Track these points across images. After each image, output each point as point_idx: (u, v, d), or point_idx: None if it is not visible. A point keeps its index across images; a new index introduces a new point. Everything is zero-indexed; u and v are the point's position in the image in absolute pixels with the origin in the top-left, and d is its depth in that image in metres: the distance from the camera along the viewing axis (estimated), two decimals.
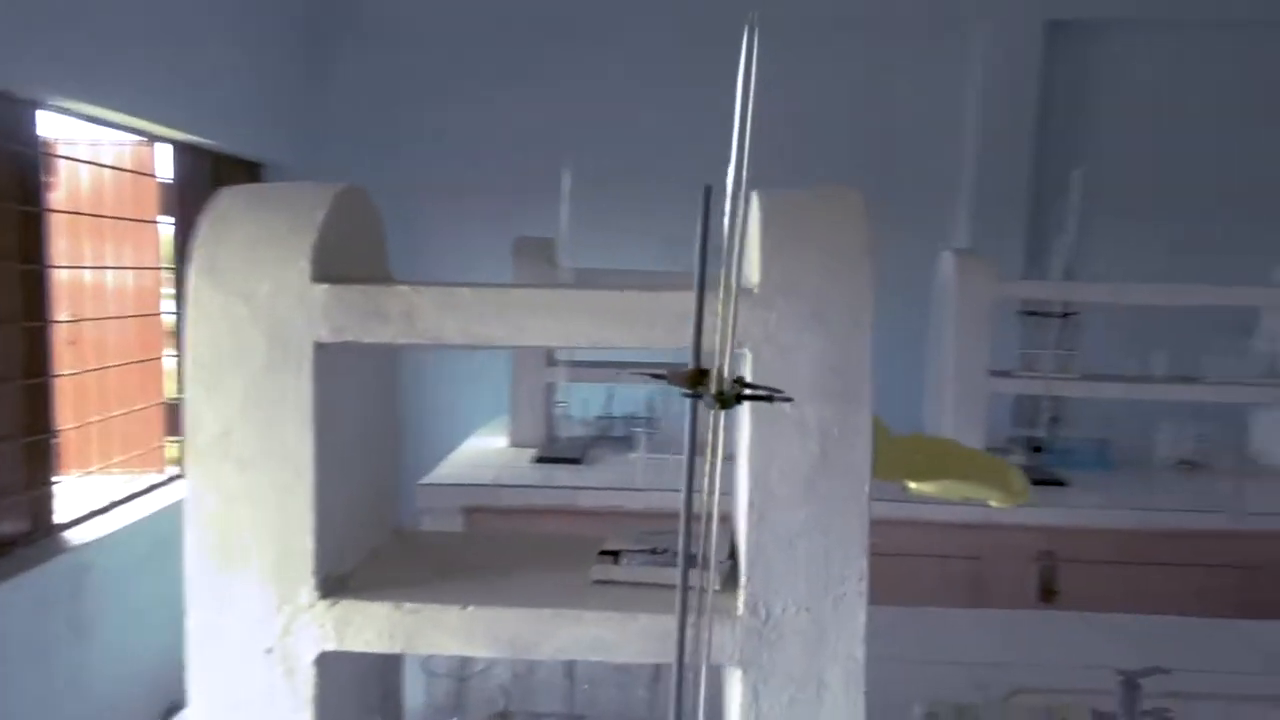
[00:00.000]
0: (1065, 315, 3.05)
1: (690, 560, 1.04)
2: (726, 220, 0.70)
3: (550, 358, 3.19)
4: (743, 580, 0.97)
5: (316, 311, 0.96)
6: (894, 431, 1.08)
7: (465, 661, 1.24)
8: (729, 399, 0.71)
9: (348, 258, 1.05)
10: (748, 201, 0.73)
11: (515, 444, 3.20)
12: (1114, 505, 2.72)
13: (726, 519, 1.20)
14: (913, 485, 1.01)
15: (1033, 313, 2.96)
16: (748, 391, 0.74)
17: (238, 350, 0.97)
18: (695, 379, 0.78)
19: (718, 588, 1.02)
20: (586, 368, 3.15)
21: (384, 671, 1.18)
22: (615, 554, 1.06)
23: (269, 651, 0.98)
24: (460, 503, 2.70)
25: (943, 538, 2.63)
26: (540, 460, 3.00)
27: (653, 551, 1.06)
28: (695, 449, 0.81)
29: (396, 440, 1.24)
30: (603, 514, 2.71)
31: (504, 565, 1.10)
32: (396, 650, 0.98)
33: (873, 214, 0.99)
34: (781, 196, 0.99)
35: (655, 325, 0.96)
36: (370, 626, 0.97)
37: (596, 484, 2.80)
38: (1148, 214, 4.51)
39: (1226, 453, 3.28)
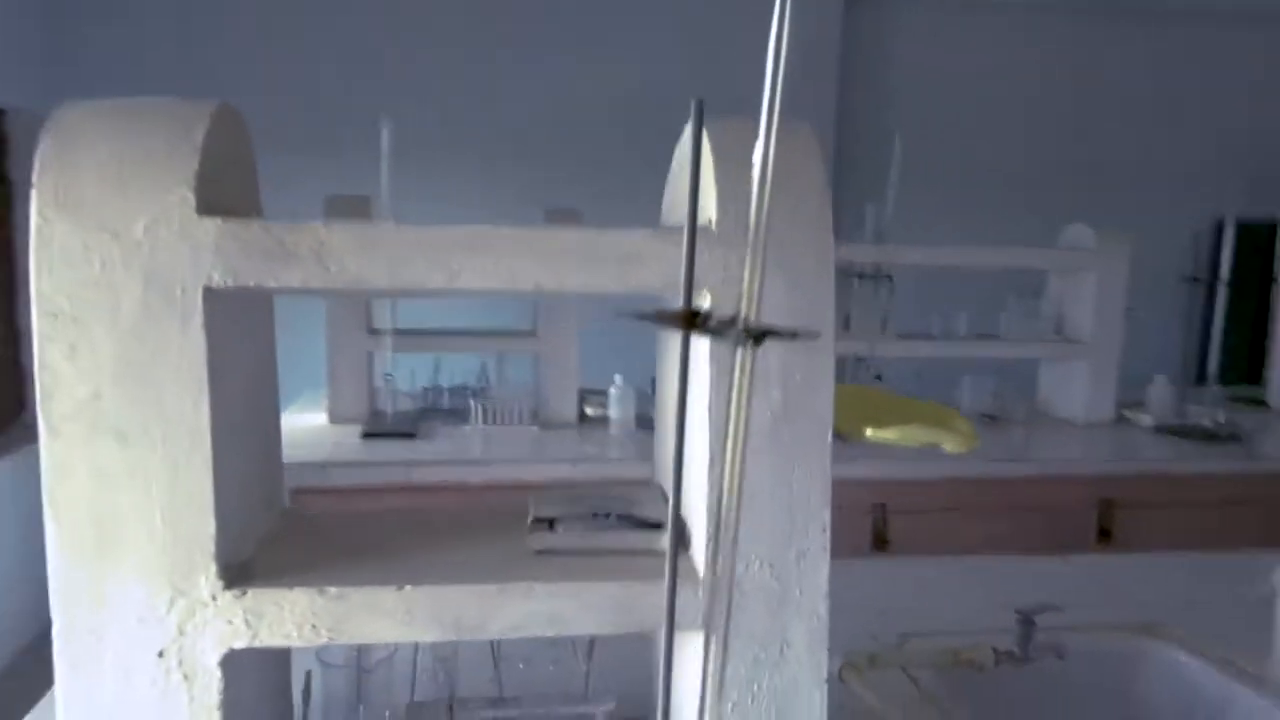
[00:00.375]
0: (878, 278, 3.16)
1: (641, 522, 0.96)
2: (757, 159, 0.62)
3: (369, 326, 2.99)
4: (704, 540, 0.90)
5: (206, 251, 0.81)
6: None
7: (364, 650, 1.11)
8: (759, 336, 0.63)
9: (227, 191, 0.89)
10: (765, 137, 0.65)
11: (336, 420, 2.99)
12: (933, 457, 2.84)
13: (651, 484, 1.13)
14: (870, 433, 0.98)
15: (848, 275, 3.05)
16: (763, 331, 0.66)
17: (107, 299, 0.80)
18: (689, 319, 0.71)
19: (664, 549, 0.95)
20: (413, 336, 2.98)
21: (274, 665, 1.04)
22: (550, 521, 0.97)
23: (161, 655, 0.83)
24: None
25: None
26: (368, 436, 2.81)
27: (594, 516, 0.97)
28: (687, 396, 0.73)
29: (277, 405, 1.09)
30: (442, 490, 2.57)
31: (424, 542, 0.98)
32: (321, 642, 0.85)
33: None
34: (733, 127, 0.92)
35: (605, 265, 0.87)
36: (289, 618, 0.84)
37: (433, 458, 2.65)
38: (952, 184, 4.79)
39: (1019, 405, 3.52)
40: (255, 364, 0.98)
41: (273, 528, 1.00)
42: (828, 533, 0.92)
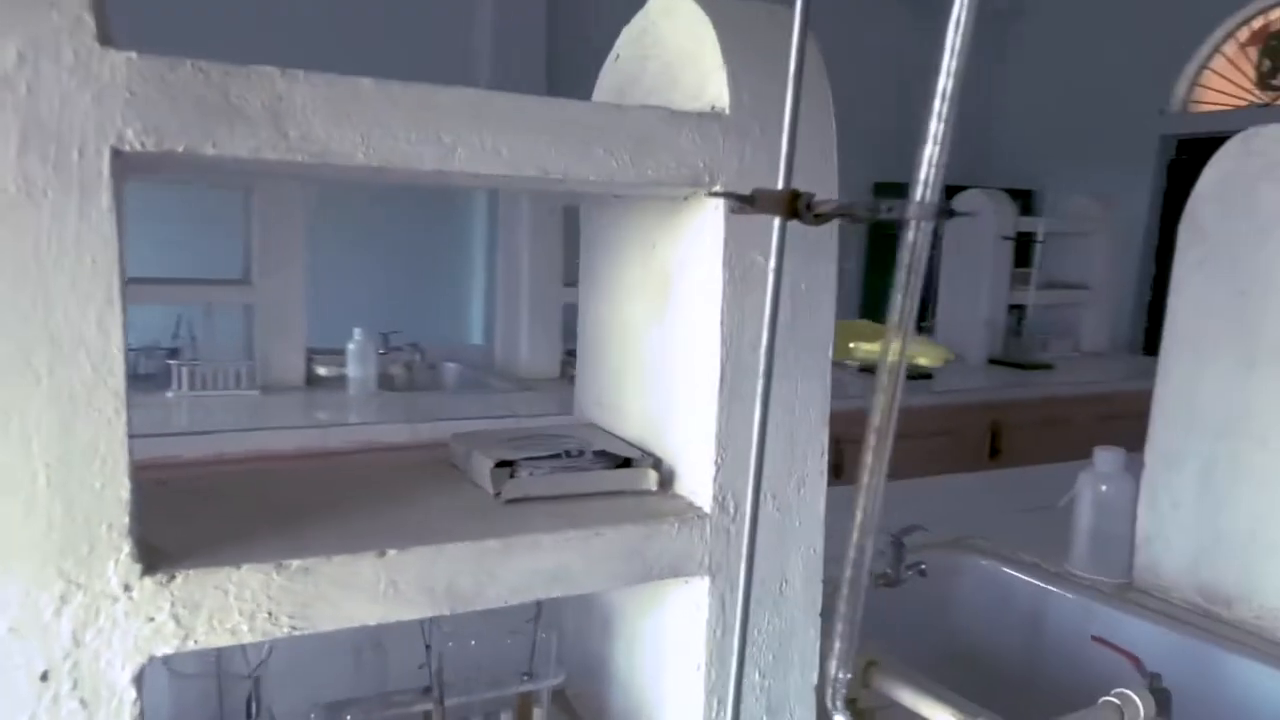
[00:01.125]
0: None
1: (613, 459, 0.84)
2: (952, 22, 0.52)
3: None
4: (713, 472, 0.79)
5: (115, 98, 0.57)
6: None
7: (223, 654, 0.87)
8: (941, 213, 0.54)
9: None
10: None
11: None
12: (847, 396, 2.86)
13: (580, 422, 1.00)
14: (865, 347, 0.91)
15: None
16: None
17: None
18: (790, 203, 0.60)
19: (654, 488, 0.83)
20: None
21: None
22: (509, 465, 0.81)
23: (45, 678, 0.58)
24: None
25: None
26: None
27: (563, 456, 0.83)
28: (779, 293, 0.63)
29: None
30: (149, 467, 2.18)
31: (361, 503, 0.78)
32: (280, 634, 0.64)
33: None
34: (733, 9, 0.81)
35: (619, 149, 0.73)
36: (237, 605, 0.62)
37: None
38: None
39: None
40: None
41: (149, 494, 0.75)
42: (826, 456, 0.85)
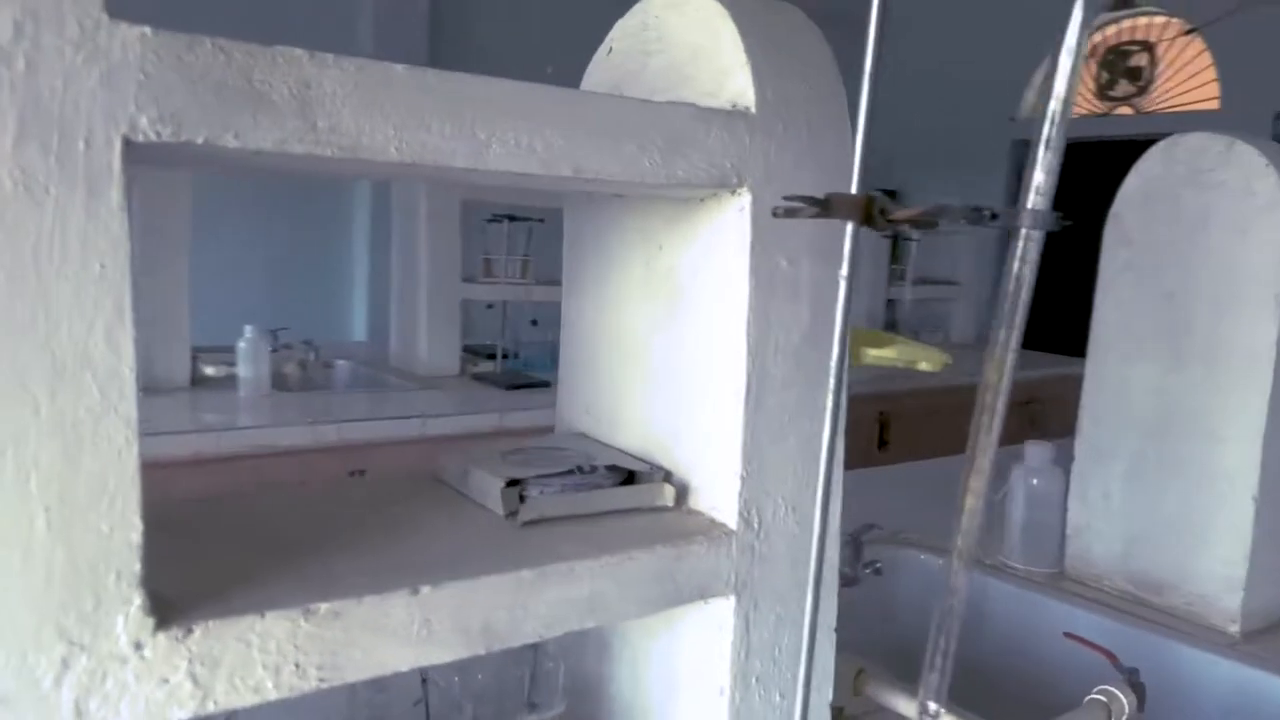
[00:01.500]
0: (515, 220, 3.02)
1: (624, 475, 0.79)
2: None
3: None
4: (737, 485, 0.76)
5: (128, 79, 0.49)
6: None
7: None
8: (1055, 221, 0.51)
9: None
10: None
11: None
12: None
13: (568, 433, 0.95)
14: (873, 353, 0.89)
15: (496, 219, 2.91)
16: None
17: None
18: (867, 209, 0.57)
19: (670, 504, 0.79)
20: None
21: None
22: (517, 484, 0.75)
23: None
24: None
25: (462, 449, 2.46)
26: None
27: (573, 473, 0.78)
28: (850, 303, 0.60)
29: None
30: None
31: (354, 529, 0.71)
32: (308, 688, 0.57)
33: None
34: (751, 5, 0.77)
35: (650, 148, 0.68)
36: (261, 659, 0.55)
37: None
38: None
39: None
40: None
41: None
42: (842, 465, 0.82)
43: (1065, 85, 0.49)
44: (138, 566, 0.51)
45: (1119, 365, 1.44)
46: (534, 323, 3.00)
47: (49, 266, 0.47)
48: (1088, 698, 0.99)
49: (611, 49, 0.87)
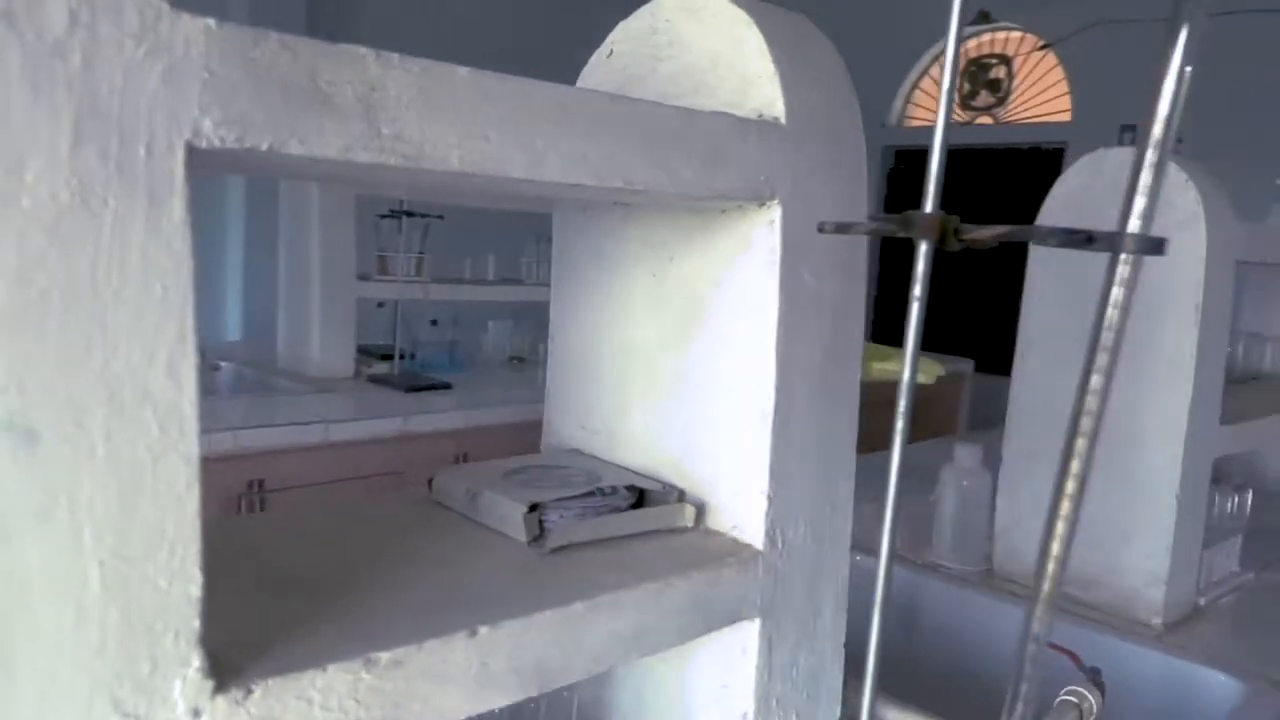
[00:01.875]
0: (411, 215, 2.92)
1: (641, 495, 0.77)
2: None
3: None
4: (764, 505, 0.74)
5: (193, 77, 0.43)
6: None
7: None
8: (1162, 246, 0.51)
9: None
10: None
11: None
12: (508, 402, 2.71)
13: (558, 450, 0.91)
14: (878, 366, 0.89)
15: (391, 214, 2.80)
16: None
17: (6, 161, 0.39)
18: (942, 228, 0.57)
19: (690, 524, 0.77)
20: None
21: None
22: (533, 508, 0.72)
23: None
24: None
25: (367, 455, 2.36)
26: None
27: (594, 494, 0.74)
28: (922, 321, 0.59)
29: None
30: None
31: (373, 562, 0.66)
32: None
33: None
34: (765, 9, 0.75)
35: (692, 159, 0.66)
36: (323, 717, 0.50)
37: None
38: None
39: (540, 346, 3.59)
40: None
41: None
42: (853, 478, 0.82)
43: (1168, 105, 0.49)
44: (196, 623, 0.45)
45: (1045, 370, 1.50)
46: (434, 322, 2.91)
47: (107, 288, 0.41)
48: (1058, 700, 1.02)
49: (612, 51, 0.84)
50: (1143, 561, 1.40)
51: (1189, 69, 0.49)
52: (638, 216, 0.83)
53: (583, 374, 0.88)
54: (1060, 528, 0.54)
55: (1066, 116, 5.67)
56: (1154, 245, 0.50)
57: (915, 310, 0.58)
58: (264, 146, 0.45)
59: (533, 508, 0.71)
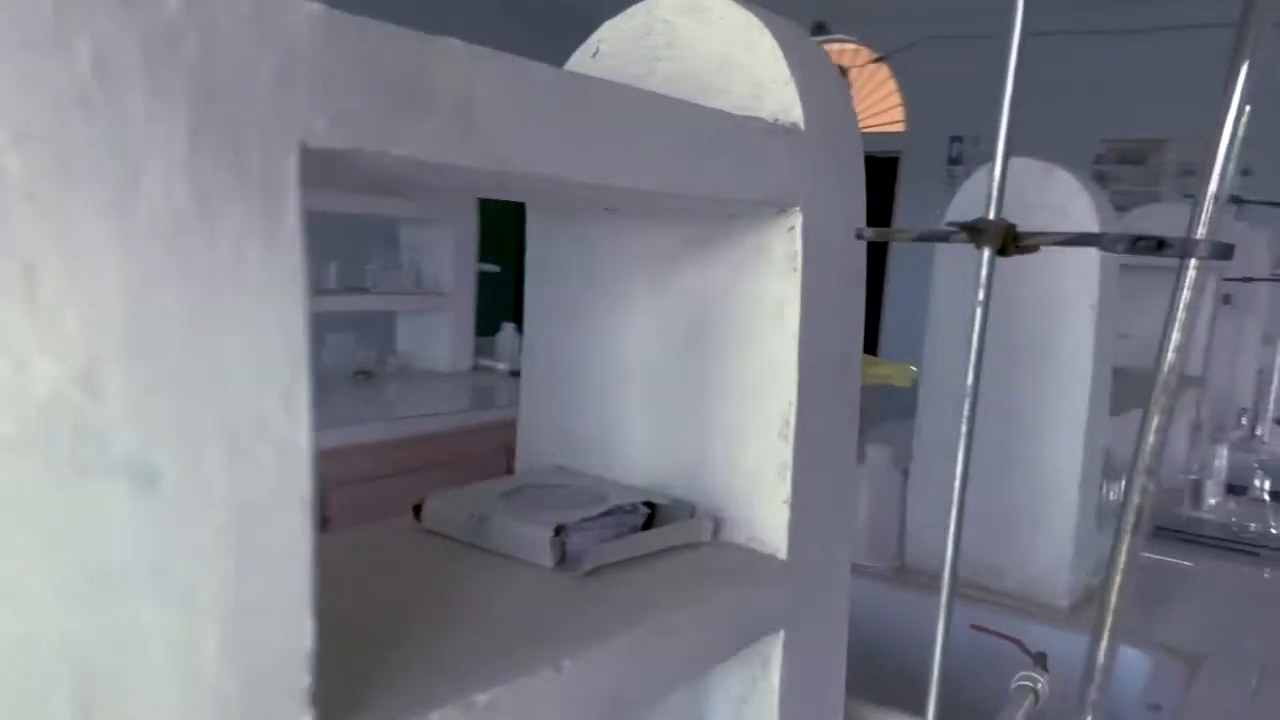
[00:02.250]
0: None
1: (661, 512, 0.75)
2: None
3: None
4: (786, 515, 0.73)
5: (308, 71, 0.39)
6: None
7: None
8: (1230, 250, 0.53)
9: None
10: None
11: None
12: (360, 420, 2.63)
13: (552, 468, 0.88)
14: (870, 371, 0.89)
15: None
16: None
17: (94, 166, 0.33)
18: (1009, 237, 0.58)
19: (709, 538, 0.76)
20: None
21: None
22: (557, 530, 0.68)
23: None
24: None
25: None
26: None
27: (614, 513, 0.71)
28: (986, 324, 0.61)
29: None
30: None
31: (411, 600, 0.61)
32: None
33: None
34: (770, 14, 0.75)
35: (724, 162, 0.64)
36: None
37: None
38: None
39: (386, 359, 3.48)
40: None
41: None
42: (853, 487, 0.82)
43: (1235, 112, 0.51)
44: (308, 680, 0.40)
45: (951, 365, 1.56)
46: None
47: (224, 308, 0.36)
48: (1014, 685, 1.05)
49: (598, 50, 0.81)
50: (1050, 548, 1.48)
51: (1248, 108, 0.52)
52: (631, 224, 0.80)
53: (567, 388, 0.85)
54: (1129, 520, 0.56)
55: (900, 127, 5.96)
56: (1224, 250, 0.52)
57: (979, 317, 0.59)
58: (371, 148, 0.41)
59: (558, 530, 0.67)
